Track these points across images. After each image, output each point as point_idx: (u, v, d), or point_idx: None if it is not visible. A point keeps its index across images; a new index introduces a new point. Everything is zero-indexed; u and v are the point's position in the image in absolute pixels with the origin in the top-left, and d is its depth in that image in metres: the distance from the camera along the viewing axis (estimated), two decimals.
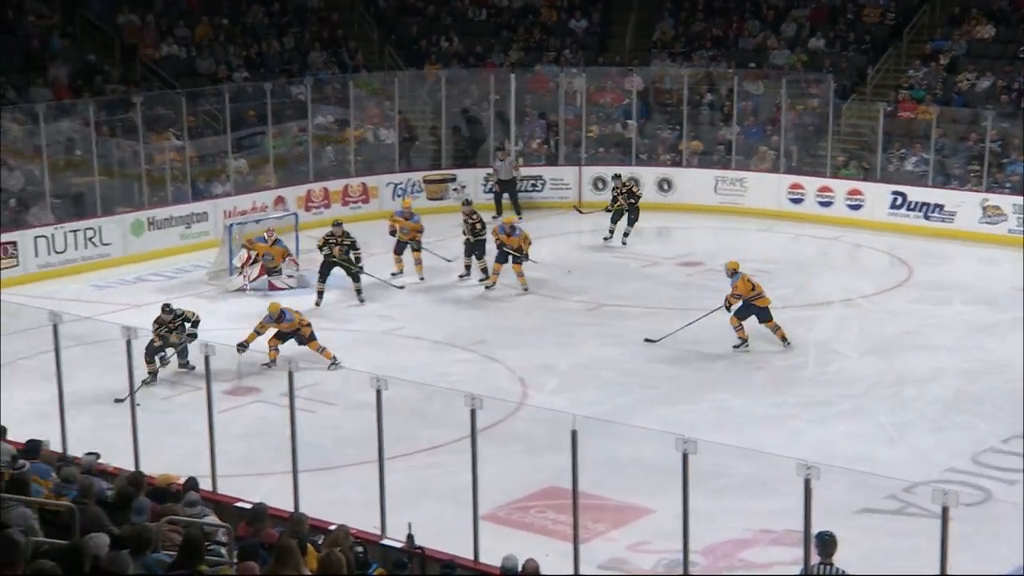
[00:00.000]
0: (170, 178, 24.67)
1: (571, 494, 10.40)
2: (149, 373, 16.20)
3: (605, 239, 24.22)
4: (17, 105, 24.19)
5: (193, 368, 16.41)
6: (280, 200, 25.28)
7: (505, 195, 26.28)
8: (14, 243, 21.87)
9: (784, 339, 18.01)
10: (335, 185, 26.36)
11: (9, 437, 11.97)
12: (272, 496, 11.41)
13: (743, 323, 18.04)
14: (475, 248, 21.53)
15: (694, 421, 14.81)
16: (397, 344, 18.59)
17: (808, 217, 25.96)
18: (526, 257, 20.90)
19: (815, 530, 9.26)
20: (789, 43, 29.77)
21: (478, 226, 21.44)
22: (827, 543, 9.45)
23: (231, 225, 22.41)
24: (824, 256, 24.20)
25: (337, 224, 20.68)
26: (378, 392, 10.93)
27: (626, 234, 24.15)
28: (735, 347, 17.99)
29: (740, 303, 18.08)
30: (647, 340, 18.27)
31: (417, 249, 21.67)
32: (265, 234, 21.52)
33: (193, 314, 16.97)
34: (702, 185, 27.02)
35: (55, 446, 12.29)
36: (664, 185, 27.27)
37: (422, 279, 21.56)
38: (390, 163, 27.42)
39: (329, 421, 14.97)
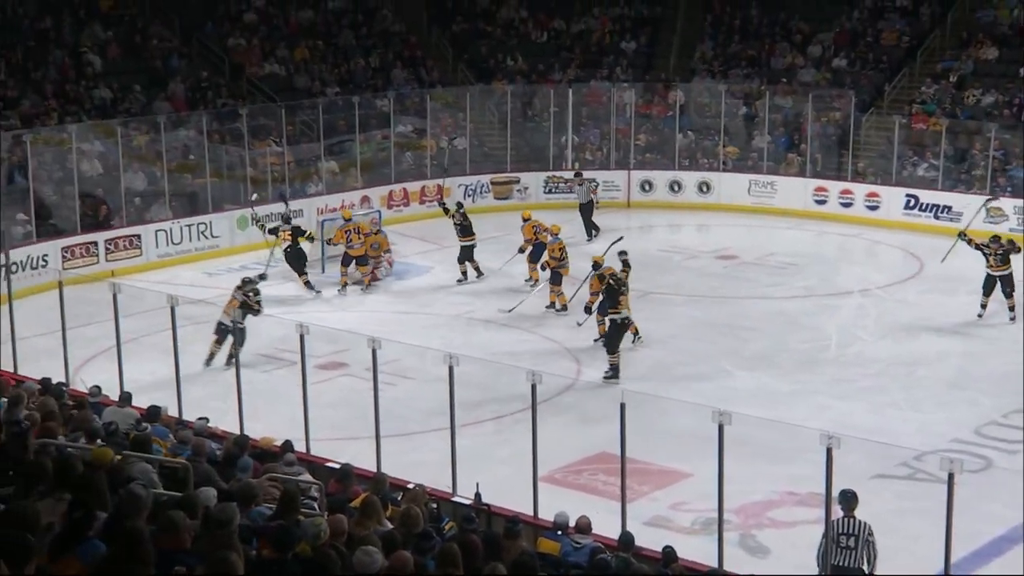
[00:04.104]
0: (271, 179, 24.84)
1: (620, 459, 10.38)
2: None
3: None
4: (141, 117, 24.51)
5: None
6: (366, 199, 25.39)
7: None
8: (138, 236, 22.13)
9: (636, 333, 17.04)
10: (414, 186, 26.42)
11: (133, 403, 12.16)
12: (358, 458, 11.46)
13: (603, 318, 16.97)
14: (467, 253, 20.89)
15: (729, 396, 14.70)
16: (467, 326, 18.62)
17: (831, 216, 25.68)
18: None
19: (835, 492, 9.18)
20: (815, 63, 29.45)
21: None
22: (849, 499, 9.47)
23: (323, 221, 22.51)
24: (845, 251, 23.94)
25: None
26: (451, 368, 10.97)
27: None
28: (596, 340, 17.07)
29: (599, 300, 17.21)
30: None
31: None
32: (370, 224, 21.40)
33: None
34: (737, 187, 26.82)
35: (172, 411, 12.46)
36: (703, 187, 27.12)
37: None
38: (462, 167, 27.46)
39: (408, 393, 15.03)
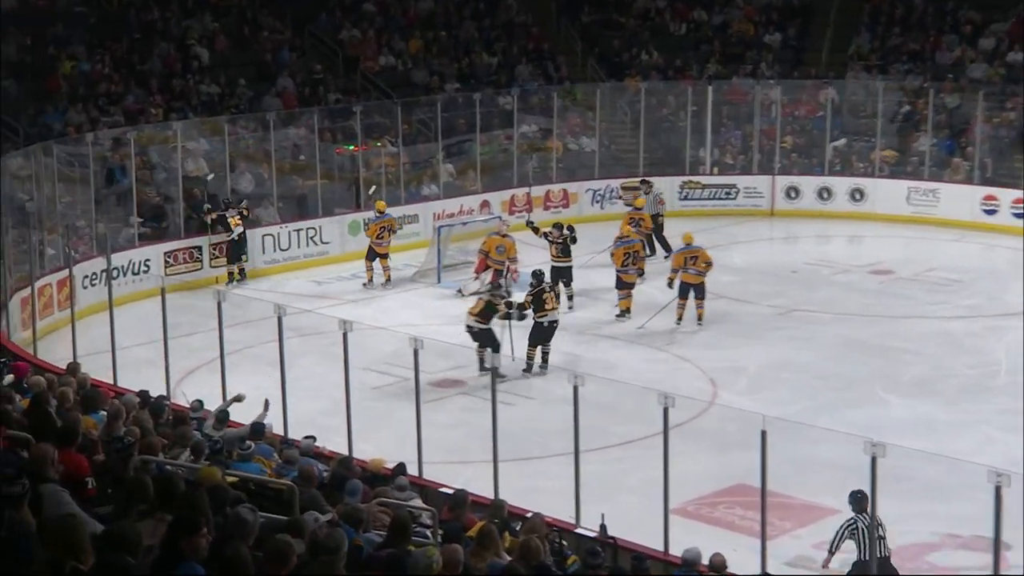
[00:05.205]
0: (385, 181, 25.14)
1: (759, 492, 10.28)
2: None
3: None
4: (250, 113, 25.06)
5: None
6: (485, 204, 25.51)
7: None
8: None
9: (700, 318, 18.96)
10: (538, 190, 26.52)
11: (235, 419, 12.40)
12: (474, 483, 11.54)
13: (683, 302, 18.94)
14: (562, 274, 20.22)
15: (883, 425, 14.39)
16: (593, 343, 18.61)
17: (1001, 228, 25.00)
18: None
19: (1004, 538, 8.95)
20: (987, 57, 28.79)
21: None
22: (860, 500, 10.44)
23: (439, 227, 22.70)
24: (1016, 266, 23.21)
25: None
26: (575, 388, 10.98)
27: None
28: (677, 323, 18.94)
29: (678, 278, 18.99)
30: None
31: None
32: (500, 227, 21.72)
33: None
34: (895, 195, 26.32)
35: (277, 429, 12.69)
36: (856, 194, 26.70)
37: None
38: (590, 170, 27.48)
39: (528, 414, 15.08)
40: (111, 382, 14.71)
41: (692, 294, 19.01)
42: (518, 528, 9.73)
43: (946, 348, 17.83)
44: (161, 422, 11.04)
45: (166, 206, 22.65)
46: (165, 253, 21.56)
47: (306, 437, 12.06)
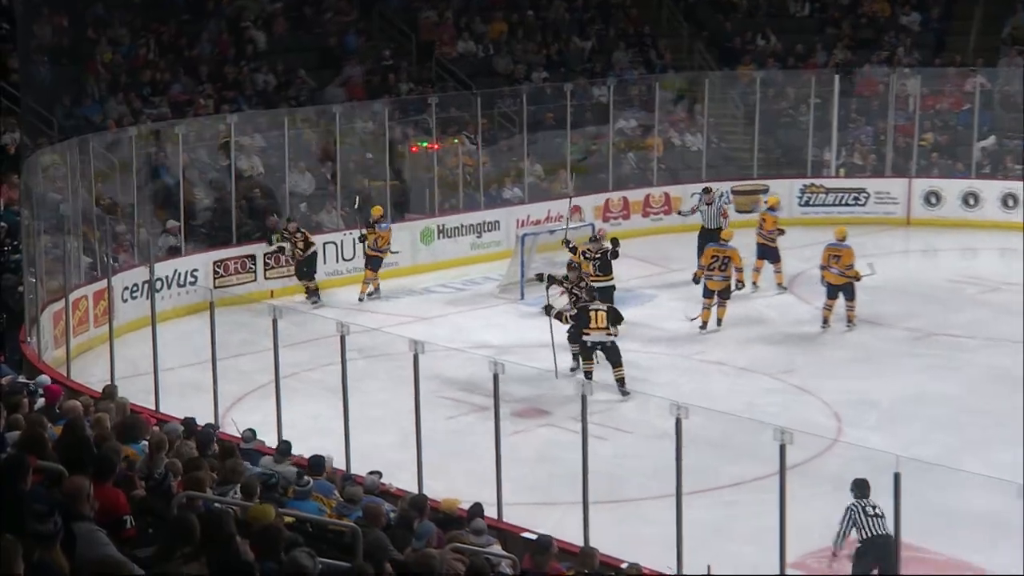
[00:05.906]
0: (462, 183, 25.22)
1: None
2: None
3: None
4: (311, 105, 25.28)
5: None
6: (576, 209, 25.39)
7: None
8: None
9: (850, 320, 19.88)
10: (636, 195, 26.48)
11: (291, 451, 12.50)
12: (560, 528, 11.52)
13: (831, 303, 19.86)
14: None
15: None
16: (699, 369, 18.54)
17: None
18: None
19: None
20: None
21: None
22: (862, 486, 11.55)
23: (524, 235, 22.68)
24: None
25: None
26: (678, 421, 10.93)
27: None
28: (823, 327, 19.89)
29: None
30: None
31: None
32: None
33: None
34: None
35: (339, 463, 12.77)
36: (1009, 201, 26.35)
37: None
38: (696, 171, 27.37)
39: (623, 450, 15.05)
40: (153, 408, 14.91)
41: (842, 296, 19.78)
42: None
43: None
44: (208, 454, 11.17)
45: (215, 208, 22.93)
46: (214, 263, 21.76)
47: (371, 473, 12.12)
